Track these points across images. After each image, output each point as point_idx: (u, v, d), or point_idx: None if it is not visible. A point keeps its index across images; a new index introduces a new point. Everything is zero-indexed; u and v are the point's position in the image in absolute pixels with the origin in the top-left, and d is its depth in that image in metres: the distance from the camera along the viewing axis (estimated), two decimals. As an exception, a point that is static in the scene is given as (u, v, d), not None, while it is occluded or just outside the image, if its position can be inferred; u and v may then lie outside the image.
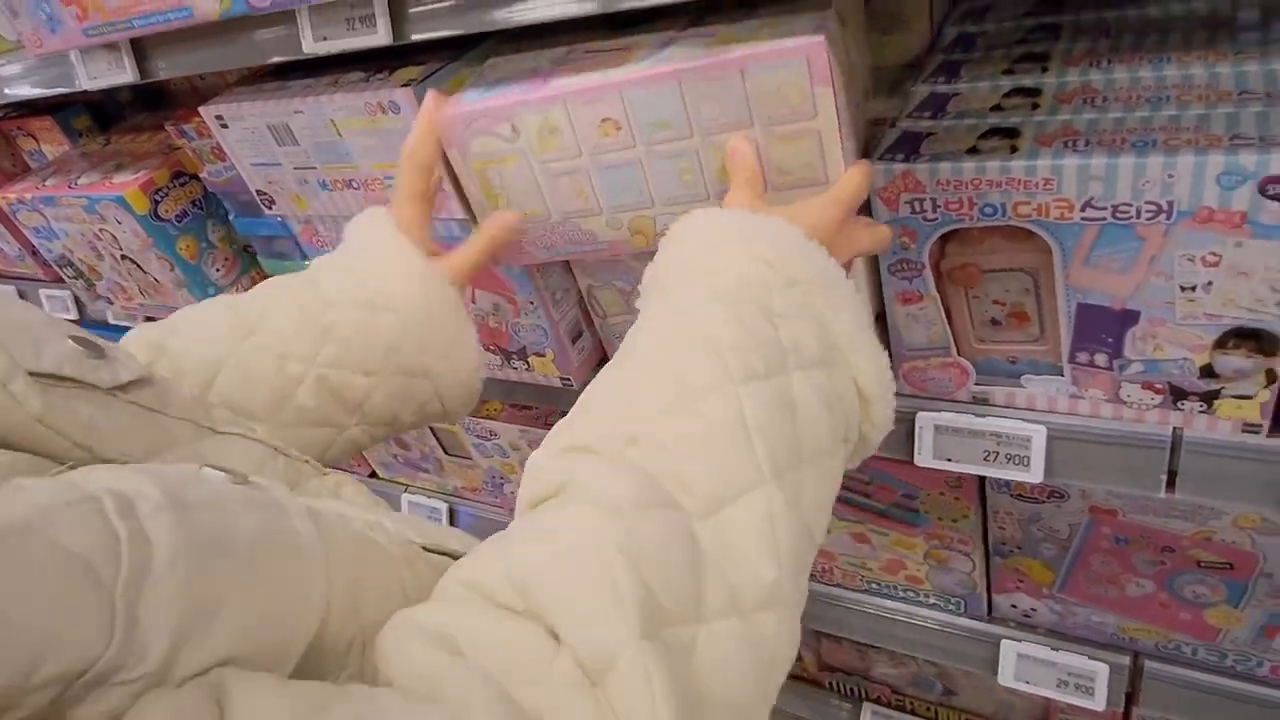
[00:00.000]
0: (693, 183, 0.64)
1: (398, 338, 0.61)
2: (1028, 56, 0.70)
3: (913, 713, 1.29)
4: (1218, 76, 0.60)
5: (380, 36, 0.67)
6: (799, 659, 1.36)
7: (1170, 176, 0.55)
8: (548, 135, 0.64)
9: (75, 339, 0.40)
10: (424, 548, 0.43)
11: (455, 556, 0.43)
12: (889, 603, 1.02)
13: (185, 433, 0.42)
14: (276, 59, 0.76)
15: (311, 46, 0.71)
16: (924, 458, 0.76)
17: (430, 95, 0.64)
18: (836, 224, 0.55)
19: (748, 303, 0.47)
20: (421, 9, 0.68)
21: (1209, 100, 0.58)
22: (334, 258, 0.65)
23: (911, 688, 1.27)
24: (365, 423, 0.62)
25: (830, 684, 1.35)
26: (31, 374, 0.35)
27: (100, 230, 1.14)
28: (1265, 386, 0.61)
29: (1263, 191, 0.53)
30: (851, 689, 1.33)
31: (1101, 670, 0.88)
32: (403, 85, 0.73)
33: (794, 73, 0.56)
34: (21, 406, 0.32)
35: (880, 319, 0.74)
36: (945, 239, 0.66)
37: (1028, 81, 0.66)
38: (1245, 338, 0.60)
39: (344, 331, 0.59)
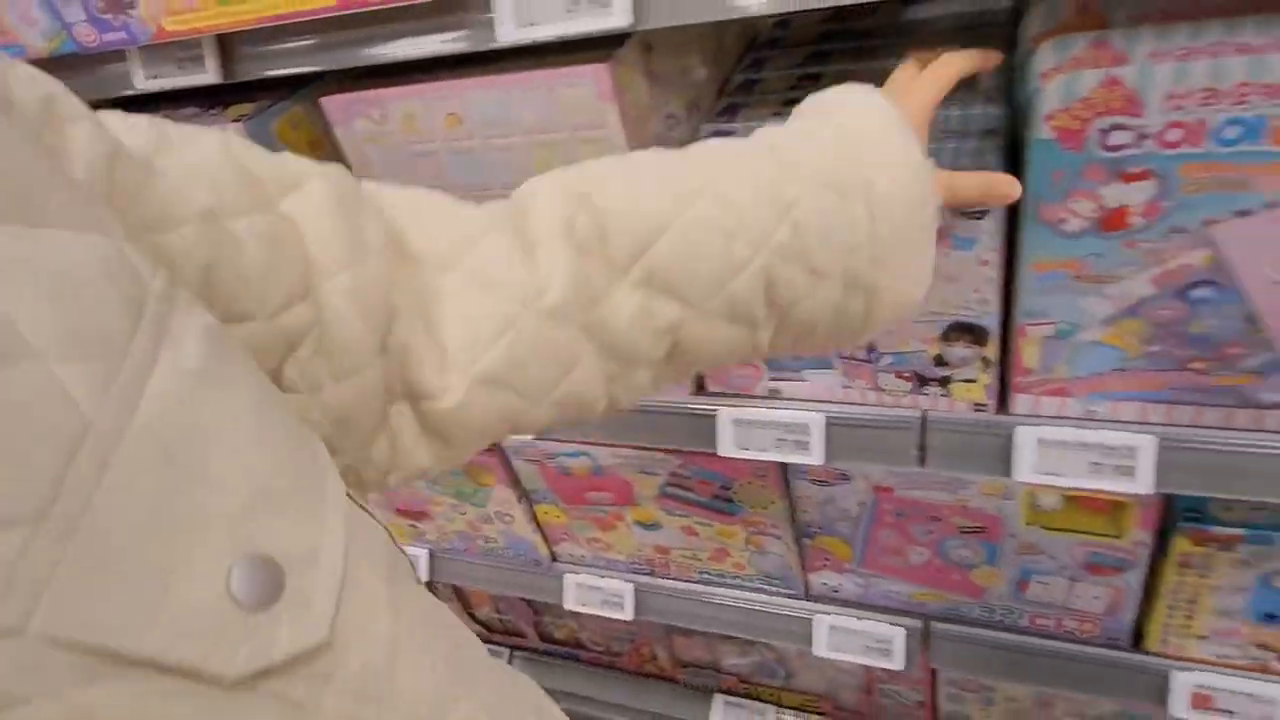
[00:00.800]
0: (523, 173, 0.74)
1: (861, 240, 0.49)
2: (792, 101, 0.82)
3: (759, 699, 1.39)
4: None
5: (209, 76, 0.72)
6: (654, 658, 1.44)
7: (890, 199, 0.67)
8: (409, 122, 0.75)
9: (252, 559, 0.25)
10: None
11: None
12: (721, 590, 1.11)
13: None
14: (111, 95, 0.79)
15: (143, 84, 0.75)
16: (726, 448, 0.86)
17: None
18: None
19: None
20: (252, 50, 0.73)
21: (919, 137, 0.71)
22: (798, 125, 0.54)
23: (757, 675, 1.37)
24: (779, 330, 0.51)
25: (684, 680, 1.44)
26: (117, 656, 0.22)
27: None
28: (984, 371, 0.74)
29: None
30: (703, 682, 1.42)
31: (898, 634, 1.00)
32: (234, 120, 0.78)
33: (586, 90, 0.67)
34: None
35: (684, 327, 0.84)
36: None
37: (787, 121, 0.78)
38: (963, 331, 0.73)
39: (805, 214, 0.48)
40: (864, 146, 0.50)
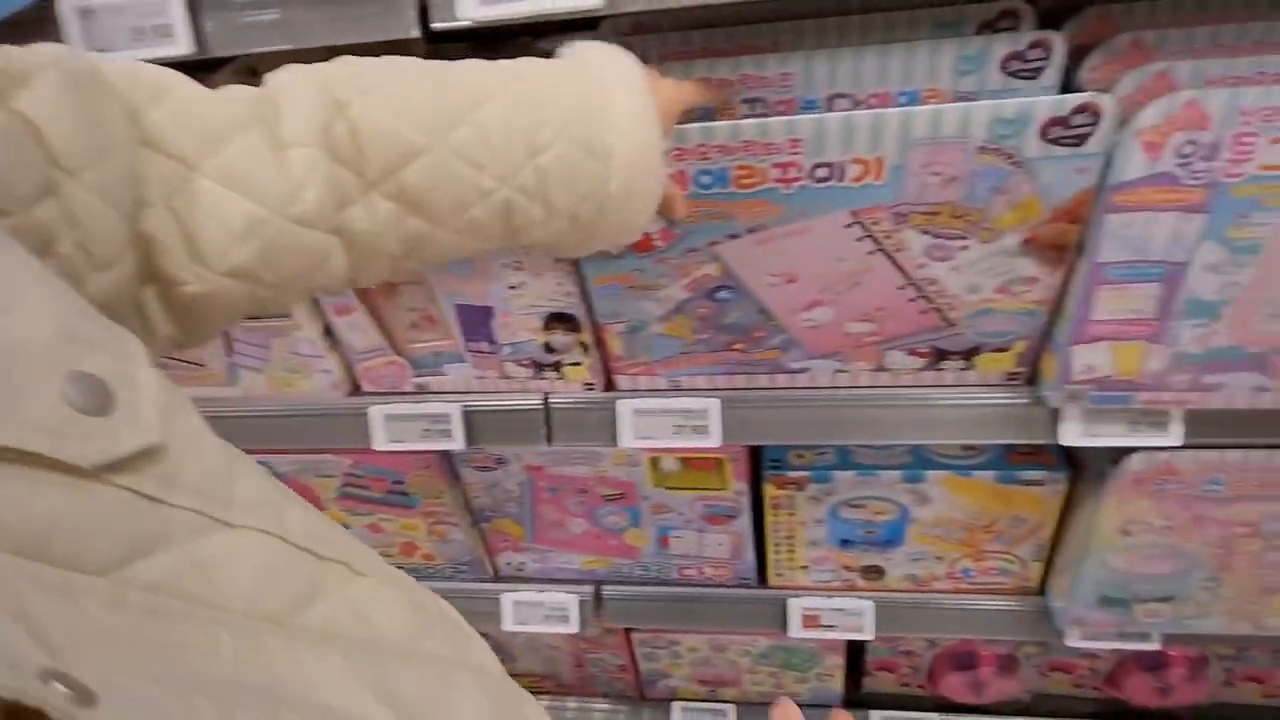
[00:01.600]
0: None
1: (595, 191, 0.56)
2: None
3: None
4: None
5: None
6: (383, 663, 1.47)
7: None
8: None
9: (78, 376, 0.29)
10: None
11: None
12: (418, 582, 1.17)
13: (185, 526, 0.32)
14: None
15: None
16: (379, 443, 0.92)
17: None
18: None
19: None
20: None
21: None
22: (570, 71, 0.57)
23: (482, 665, 1.44)
24: (508, 244, 0.58)
25: (416, 680, 1.48)
26: None
27: None
28: (585, 355, 0.86)
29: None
30: (433, 680, 1.47)
31: (572, 601, 1.11)
32: None
33: None
34: None
35: (329, 331, 0.90)
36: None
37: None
38: (559, 320, 0.84)
39: (551, 161, 0.54)
40: (614, 115, 0.55)
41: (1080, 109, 0.59)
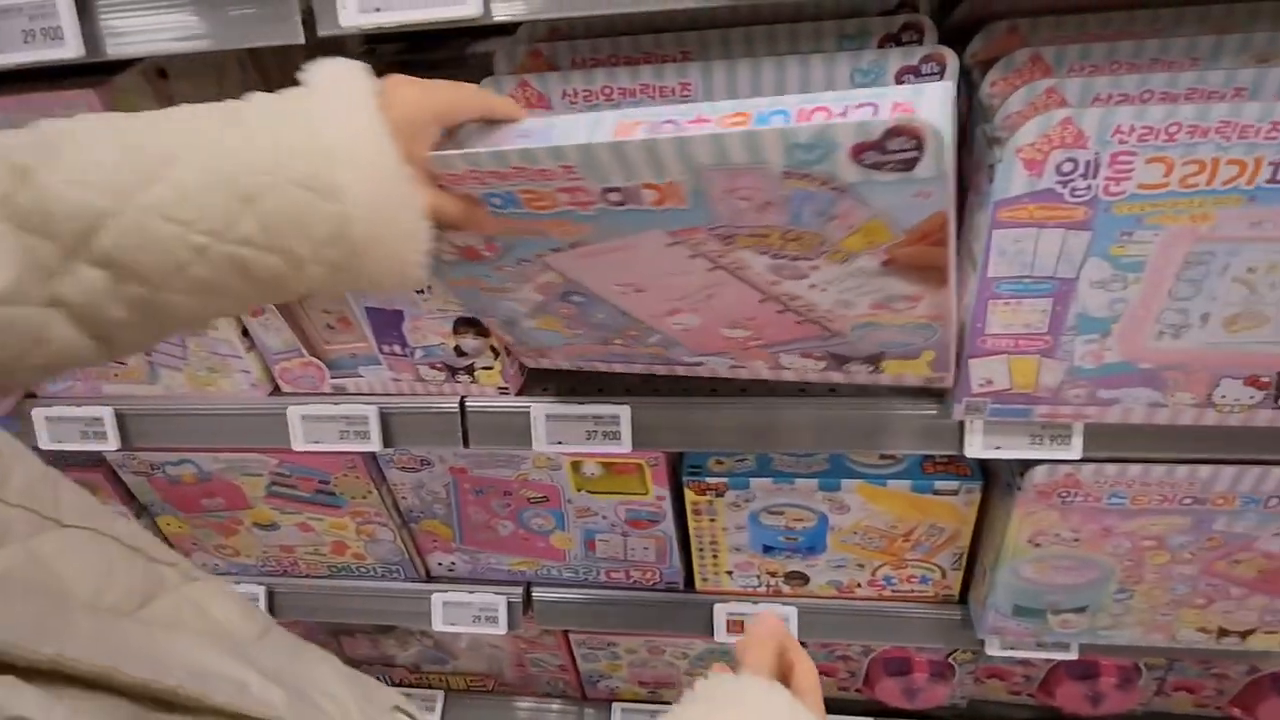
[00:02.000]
0: None
1: (338, 233, 0.51)
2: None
3: (430, 686, 1.47)
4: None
5: None
6: (328, 660, 1.47)
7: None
8: None
9: None
10: None
11: None
12: (350, 582, 1.18)
13: (22, 523, 0.35)
14: None
15: None
16: (298, 443, 0.93)
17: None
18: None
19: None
20: None
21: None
22: (287, 102, 0.52)
23: (426, 664, 1.45)
24: (272, 297, 0.53)
25: (360, 678, 1.48)
26: None
27: None
28: (496, 358, 0.86)
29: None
30: (378, 678, 1.47)
31: (500, 601, 1.11)
32: None
33: (82, 112, 0.71)
34: None
35: (246, 333, 0.90)
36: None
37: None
38: (468, 324, 0.84)
39: (272, 208, 0.49)
40: (341, 148, 0.51)
41: (895, 132, 0.50)
